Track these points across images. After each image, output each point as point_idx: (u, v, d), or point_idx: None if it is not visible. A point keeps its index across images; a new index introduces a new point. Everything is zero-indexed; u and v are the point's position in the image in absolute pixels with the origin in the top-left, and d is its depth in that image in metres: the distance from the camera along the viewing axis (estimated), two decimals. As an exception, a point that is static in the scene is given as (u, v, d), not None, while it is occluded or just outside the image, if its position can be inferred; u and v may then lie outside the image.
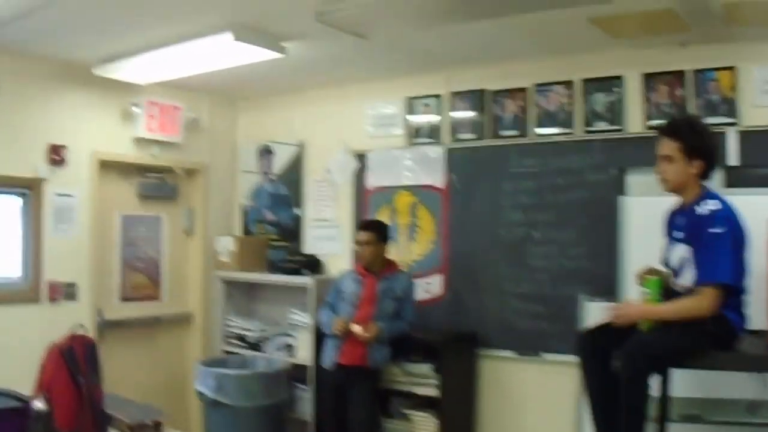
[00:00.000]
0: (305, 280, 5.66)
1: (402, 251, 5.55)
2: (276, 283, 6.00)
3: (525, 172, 5.01)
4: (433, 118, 5.50)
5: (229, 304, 6.42)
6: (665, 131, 3.27)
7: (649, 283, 3.17)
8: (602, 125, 4.75)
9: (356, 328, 4.64)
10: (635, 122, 4.65)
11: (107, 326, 5.84)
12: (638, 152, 4.46)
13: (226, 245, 6.28)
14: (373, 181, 5.80)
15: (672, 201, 3.34)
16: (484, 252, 5.17)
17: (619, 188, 4.49)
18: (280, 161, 6.47)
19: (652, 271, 3.30)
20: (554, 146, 4.91)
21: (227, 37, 4.20)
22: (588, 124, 4.81)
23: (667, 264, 3.28)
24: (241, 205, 6.76)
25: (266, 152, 6.56)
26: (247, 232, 6.71)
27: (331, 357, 4.80)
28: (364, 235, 4.84)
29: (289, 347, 5.85)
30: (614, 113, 4.71)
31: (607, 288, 4.43)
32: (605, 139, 4.72)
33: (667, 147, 3.21)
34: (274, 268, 6.05)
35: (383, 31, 4.08)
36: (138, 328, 6.15)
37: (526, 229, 4.98)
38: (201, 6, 4.02)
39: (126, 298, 6.11)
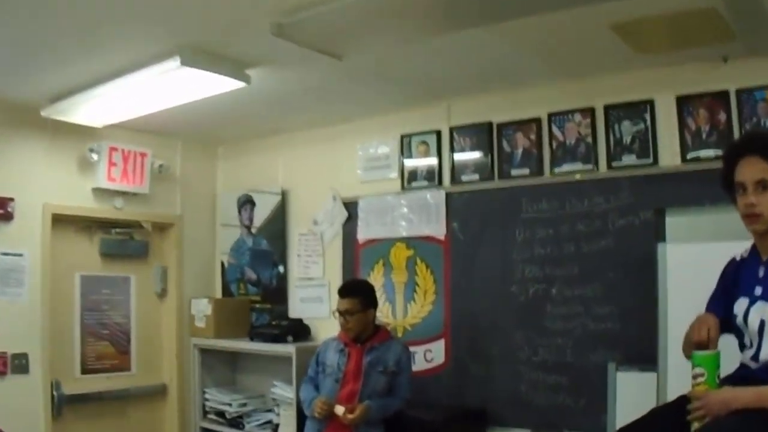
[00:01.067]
0: (287, 348, 4.92)
1: (398, 314, 4.83)
2: (258, 351, 5.25)
3: (540, 218, 4.26)
4: (431, 159, 4.80)
5: (208, 375, 5.68)
6: (755, 147, 2.34)
7: (704, 360, 2.33)
8: (630, 159, 4.02)
9: (339, 410, 3.86)
10: (670, 154, 3.91)
11: (66, 401, 5.11)
12: (675, 190, 3.72)
13: (202, 309, 5.56)
14: (364, 232, 5.07)
15: (730, 247, 2.52)
16: (493, 313, 4.39)
17: (654, 233, 3.69)
18: (261, 212, 5.77)
19: (703, 344, 2.34)
20: (574, 186, 4.17)
21: (174, 62, 3.54)
22: (613, 158, 4.08)
23: (736, 329, 2.40)
24: (220, 262, 6.07)
25: (247, 203, 5.87)
26: (227, 292, 5.99)
27: (310, 444, 4.03)
28: (346, 303, 4.07)
29: (271, 425, 5.09)
30: (644, 144, 3.98)
31: (643, 354, 3.65)
32: (635, 175, 3.97)
33: (762, 169, 2.30)
34: (255, 334, 5.30)
35: (358, 48, 3.35)
36: (104, 403, 5.39)
37: (543, 286, 4.21)
38: (143, 27, 3.37)
39: (88, 370, 5.36)
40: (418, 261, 4.77)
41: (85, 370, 5.34)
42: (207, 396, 5.56)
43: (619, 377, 3.71)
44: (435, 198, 4.71)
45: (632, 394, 3.64)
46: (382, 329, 4.17)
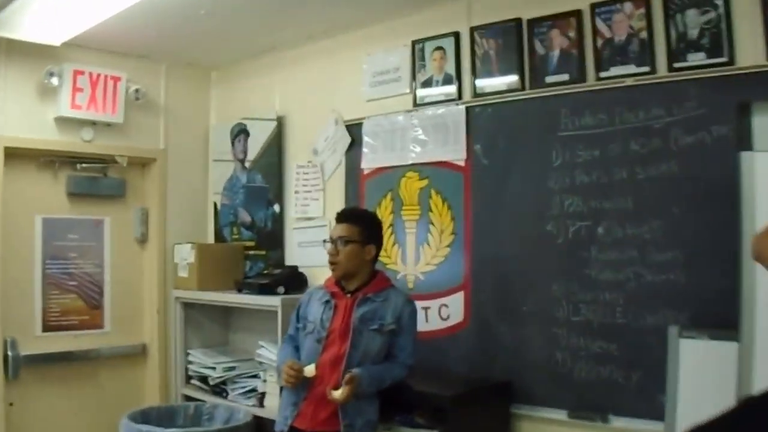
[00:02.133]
0: (273, 301, 4.17)
1: (409, 259, 4.03)
2: (243, 305, 4.53)
3: (583, 137, 3.37)
4: (448, 68, 3.93)
5: (194, 334, 5.02)
6: None
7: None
8: (698, 58, 3.08)
9: (309, 371, 3.12)
10: (751, 50, 2.97)
11: (23, 363, 4.53)
12: (757, 96, 2.79)
13: (185, 256, 4.86)
14: (370, 160, 4.27)
15: None
16: (524, 259, 3.55)
17: (736, 138, 2.77)
18: (256, 143, 5.01)
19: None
20: (626, 95, 3.26)
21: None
22: (676, 57, 3.15)
23: None
24: (213, 204, 5.36)
25: (241, 133, 5.12)
26: (220, 238, 5.27)
27: (285, 419, 3.26)
28: (341, 229, 3.29)
29: (256, 393, 4.38)
30: (716, 39, 3.04)
31: (718, 315, 2.81)
32: (704, 78, 3.05)
33: None
34: (243, 285, 4.56)
35: None
36: (70, 365, 4.80)
37: (587, 224, 3.33)
38: None
39: (51, 327, 4.75)
40: (433, 193, 3.94)
41: (47, 327, 4.74)
42: (190, 358, 4.89)
43: (685, 346, 2.87)
44: (453, 115, 3.85)
45: (703, 369, 2.80)
46: (380, 275, 3.36)
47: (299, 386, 3.16)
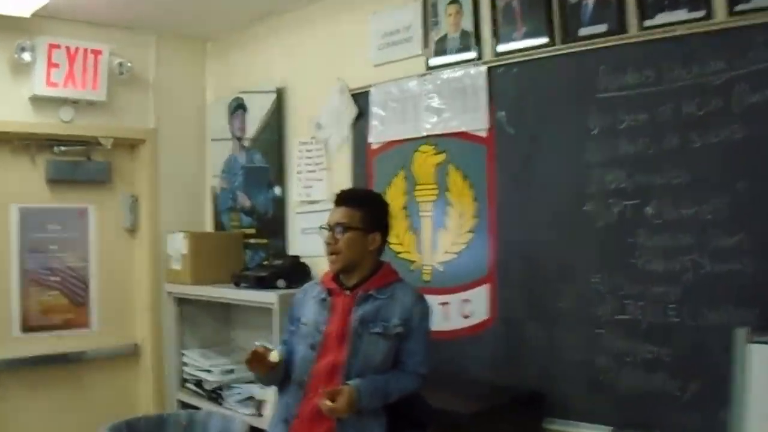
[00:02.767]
0: (269, 297, 3.73)
1: (425, 247, 3.56)
2: (238, 301, 4.09)
3: (625, 98, 2.85)
4: (465, 22, 3.43)
5: (191, 332, 4.61)
6: None
7: None
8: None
9: (274, 357, 2.68)
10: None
11: (1, 368, 4.21)
12: None
13: (178, 247, 4.43)
14: (379, 133, 3.80)
15: None
16: (558, 246, 3.06)
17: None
18: (254, 118, 4.56)
19: None
20: (676, 46, 2.74)
21: None
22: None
23: None
24: (210, 188, 4.93)
25: (238, 108, 4.67)
26: (219, 226, 4.85)
27: (275, 435, 2.85)
28: (340, 214, 2.80)
29: (254, 401, 3.96)
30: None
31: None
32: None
33: None
34: (240, 278, 4.12)
35: None
36: (53, 369, 4.44)
37: (634, 203, 2.83)
38: None
39: (31, 327, 4.41)
40: (452, 170, 3.46)
41: (26, 328, 4.39)
42: (185, 360, 4.47)
43: (755, 351, 2.34)
44: (472, 78, 3.35)
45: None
46: (385, 268, 2.86)
47: (290, 400, 2.72)
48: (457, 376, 3.26)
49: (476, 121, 3.34)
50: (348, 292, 2.77)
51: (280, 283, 3.86)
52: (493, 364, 3.25)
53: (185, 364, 4.47)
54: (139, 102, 4.71)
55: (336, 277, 2.84)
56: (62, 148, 4.44)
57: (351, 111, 3.89)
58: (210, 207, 4.93)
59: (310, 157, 4.16)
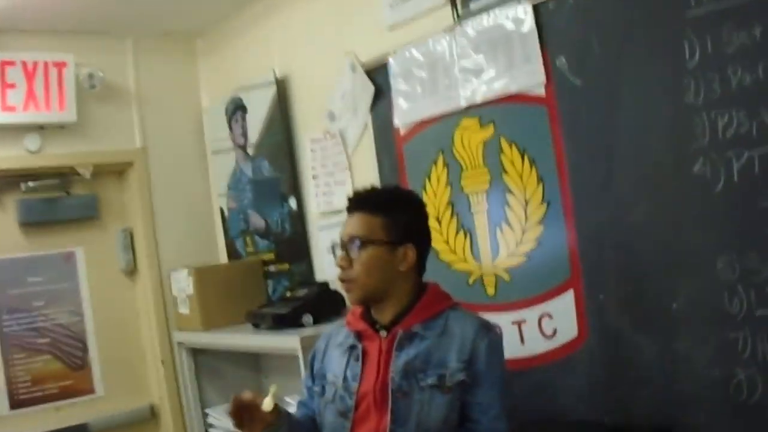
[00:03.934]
0: (289, 342, 2.99)
1: (481, 252, 2.80)
2: (251, 349, 3.42)
3: (731, 12, 2.05)
4: (500, -51, 2.69)
5: (211, 386, 3.95)
6: None
7: None
8: None
9: (267, 405, 1.95)
10: None
11: None
12: None
13: (182, 286, 3.75)
14: (405, 113, 3.04)
15: None
16: (662, 225, 2.26)
17: None
18: (255, 119, 3.86)
19: None
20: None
21: None
22: None
23: None
24: (219, 210, 4.25)
25: (238, 110, 3.98)
26: (233, 254, 4.15)
27: None
28: (353, 225, 2.09)
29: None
30: None
31: None
32: None
33: None
34: (257, 318, 3.42)
35: None
36: None
37: (762, 151, 2.03)
38: None
39: (21, 402, 3.79)
40: (505, 145, 2.68)
41: (16, 403, 3.79)
42: (210, 420, 3.78)
43: None
44: (516, 23, 2.57)
45: None
46: (431, 291, 2.12)
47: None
48: (547, 419, 2.49)
49: (528, 76, 2.56)
50: (384, 333, 2.04)
51: (306, 319, 3.14)
52: (592, 395, 2.45)
53: (211, 425, 3.78)
54: (120, 118, 4.07)
55: (366, 313, 2.11)
56: (32, 184, 3.80)
57: (367, 91, 3.16)
58: (221, 234, 4.24)
59: (326, 157, 3.44)
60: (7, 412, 3.72)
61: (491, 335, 2.02)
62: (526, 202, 2.65)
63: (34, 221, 3.85)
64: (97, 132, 3.97)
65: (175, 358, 3.97)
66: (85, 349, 3.97)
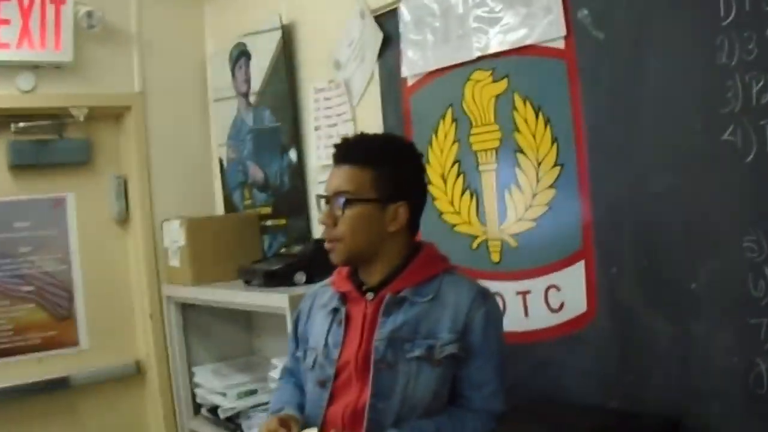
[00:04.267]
0: (277, 300, 2.82)
1: (489, 215, 2.60)
2: (240, 306, 3.23)
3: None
4: None
5: (201, 344, 3.79)
6: None
7: None
8: None
9: None
10: None
11: None
12: None
13: (174, 237, 3.58)
14: (415, 63, 2.82)
15: None
16: (685, 197, 2.05)
17: None
18: (259, 67, 3.65)
19: None
20: None
21: None
22: None
23: None
24: (218, 160, 4.07)
25: (241, 56, 3.77)
26: (230, 206, 3.98)
27: None
28: (338, 178, 1.90)
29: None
30: None
31: None
32: None
33: None
34: (248, 274, 3.26)
35: None
36: (35, 402, 3.65)
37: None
38: None
39: (3, 352, 3.63)
40: (518, 101, 2.47)
41: None
42: (197, 380, 3.65)
43: None
44: (537, -34, 2.38)
45: None
46: (424, 252, 1.95)
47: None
48: (548, 400, 2.31)
49: (547, 27, 2.34)
50: (370, 296, 1.86)
51: (299, 277, 2.97)
52: (600, 378, 2.27)
53: (197, 385, 3.64)
54: (119, 61, 3.86)
55: (353, 273, 1.94)
56: (22, 125, 3.61)
57: (376, 38, 2.95)
58: (219, 185, 4.06)
59: (329, 107, 3.24)
60: (-12, 360, 3.59)
61: (489, 304, 1.85)
62: (538, 164, 2.45)
63: (25, 164, 3.67)
64: (95, 74, 3.77)
65: (164, 313, 3.81)
66: (71, 299, 3.80)
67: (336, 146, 1.95)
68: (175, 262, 3.58)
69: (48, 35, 3.56)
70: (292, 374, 2.10)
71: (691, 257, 2.04)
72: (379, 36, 2.94)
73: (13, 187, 3.69)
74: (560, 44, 2.33)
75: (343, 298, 1.93)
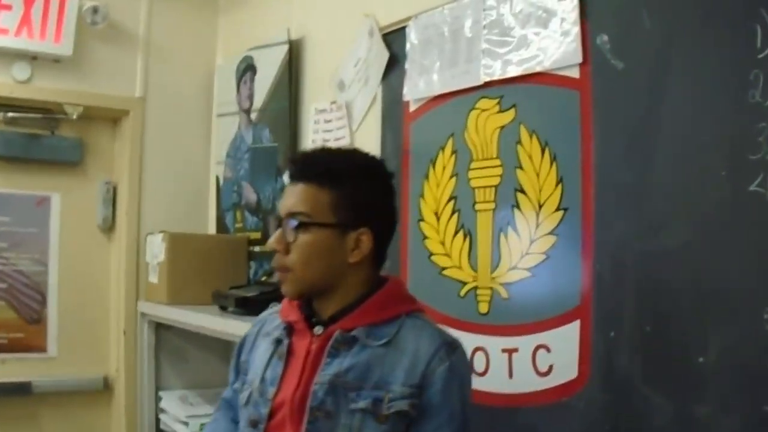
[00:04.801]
0: (235, 327, 2.51)
1: (479, 260, 2.26)
2: (218, 333, 2.84)
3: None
4: None
5: (174, 367, 3.49)
6: None
7: None
8: None
9: None
10: None
11: None
12: None
13: (156, 253, 3.30)
14: (418, 86, 2.51)
15: None
16: (702, 254, 1.69)
17: None
18: (263, 83, 3.38)
19: None
20: None
21: None
22: None
23: None
24: (215, 178, 3.78)
25: (248, 71, 3.51)
26: (222, 228, 3.68)
27: None
28: (291, 198, 1.57)
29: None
30: None
31: None
32: None
33: None
34: (221, 299, 2.94)
35: None
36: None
37: None
38: None
39: None
40: (524, 134, 2.15)
41: None
42: (163, 404, 3.33)
43: None
44: (554, -15, 2.09)
45: None
46: (387, 288, 1.61)
47: None
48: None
49: (563, 52, 2.03)
50: (318, 330, 1.54)
51: (274, 306, 2.67)
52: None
53: (162, 410, 3.32)
54: (122, 62, 3.63)
55: (306, 301, 1.63)
56: (11, 115, 3.38)
57: (381, 58, 2.67)
58: (214, 204, 3.77)
59: (328, 130, 2.94)
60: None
61: (455, 357, 1.51)
62: (540, 206, 2.12)
63: (10, 156, 3.43)
64: (94, 72, 3.54)
65: (137, 330, 3.52)
66: (43, 302, 3.54)
67: (291, 160, 1.64)
68: (153, 278, 3.29)
69: (49, 26, 3.35)
70: (229, 407, 1.77)
71: (702, 326, 1.69)
72: (385, 55, 2.64)
73: (-1, 180, 3.48)
74: (575, 73, 2.01)
75: (290, 328, 1.60)
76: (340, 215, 1.53)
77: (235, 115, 3.59)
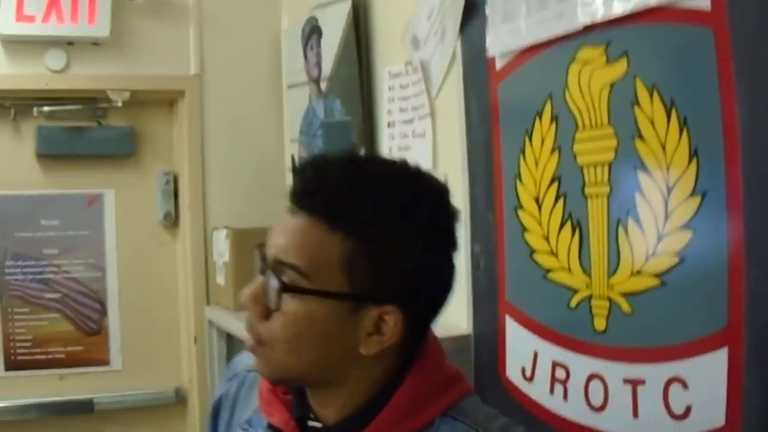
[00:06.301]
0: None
1: (593, 261, 1.81)
2: None
3: None
4: None
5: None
6: None
7: None
8: None
9: None
10: None
11: None
12: None
13: (221, 252, 3.03)
14: (503, 37, 2.06)
15: None
16: None
17: None
18: (330, 47, 3.00)
19: None
20: None
21: None
22: None
23: None
24: (290, 157, 3.45)
25: (313, 33, 3.14)
26: (297, 212, 3.39)
27: None
28: (286, 234, 1.00)
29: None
30: None
31: None
32: None
33: None
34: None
35: None
36: (54, 424, 3.31)
37: None
38: None
39: (18, 364, 3.36)
40: (642, 93, 1.67)
41: (12, 364, 3.36)
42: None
43: None
44: None
45: None
46: (416, 375, 1.04)
47: None
48: None
49: (689, -17, 1.57)
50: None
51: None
52: None
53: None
54: (171, 38, 3.40)
55: (296, 394, 1.10)
56: (47, 108, 3.21)
57: (456, 5, 2.23)
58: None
59: (404, 98, 2.54)
60: (1, 372, 3.28)
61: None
62: (669, 190, 1.64)
63: (55, 154, 3.30)
64: (138, 52, 3.35)
65: (206, 338, 3.32)
66: (103, 311, 3.42)
67: (295, 172, 1.07)
68: (220, 279, 3.05)
69: (81, 7, 3.17)
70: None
71: None
72: (461, 2, 2.22)
73: (41, 180, 3.35)
74: (706, 3, 1.52)
75: (276, 426, 1.09)
76: (356, 280, 1.00)
77: (305, 86, 3.25)
